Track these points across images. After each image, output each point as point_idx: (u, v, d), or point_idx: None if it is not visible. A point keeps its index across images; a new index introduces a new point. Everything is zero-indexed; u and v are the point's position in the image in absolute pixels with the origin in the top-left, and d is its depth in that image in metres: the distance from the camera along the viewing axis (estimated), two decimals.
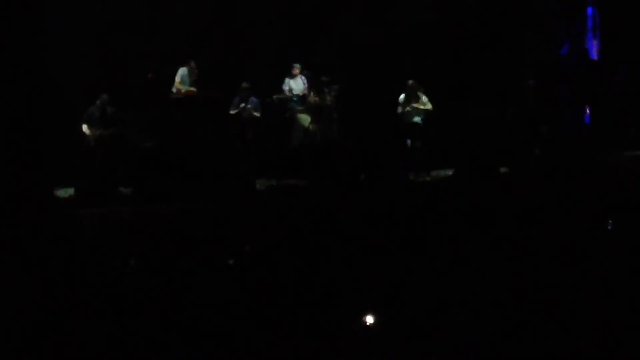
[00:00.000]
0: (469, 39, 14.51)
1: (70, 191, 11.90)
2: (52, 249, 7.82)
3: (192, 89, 13.51)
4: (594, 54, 15.15)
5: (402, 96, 13.17)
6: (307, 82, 13.81)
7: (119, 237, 9.06)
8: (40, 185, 9.88)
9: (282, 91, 13.79)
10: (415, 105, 13.08)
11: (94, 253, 8.01)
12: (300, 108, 13.61)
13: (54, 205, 10.42)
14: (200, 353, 5.96)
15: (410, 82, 13.11)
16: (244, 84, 13.39)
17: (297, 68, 13.83)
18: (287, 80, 13.85)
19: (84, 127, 12.77)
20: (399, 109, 13.18)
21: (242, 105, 13.30)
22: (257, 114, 13.39)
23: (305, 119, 13.52)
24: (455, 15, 14.67)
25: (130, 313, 6.32)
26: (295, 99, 13.69)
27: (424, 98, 13.14)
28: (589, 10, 15.32)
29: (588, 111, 14.36)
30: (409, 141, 13.11)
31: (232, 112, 13.40)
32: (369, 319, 6.24)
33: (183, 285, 6.88)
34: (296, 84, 13.85)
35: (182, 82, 13.54)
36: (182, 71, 13.57)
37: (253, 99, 13.41)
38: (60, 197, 11.64)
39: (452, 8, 14.68)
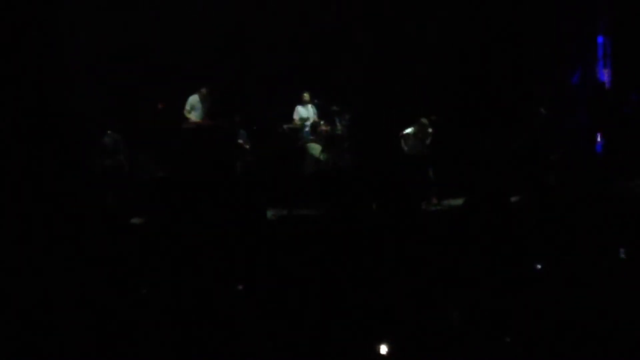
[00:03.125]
0: (481, 67, 14.55)
1: None
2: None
3: (201, 119, 13.55)
4: (606, 82, 15.18)
5: (409, 130, 13.11)
6: (317, 109, 13.91)
7: (130, 264, 9.06)
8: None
9: (292, 120, 13.86)
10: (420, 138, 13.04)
11: (106, 279, 8.01)
12: (312, 137, 13.65)
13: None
14: None
15: (424, 120, 13.03)
16: (236, 117, 13.64)
17: (306, 95, 13.91)
18: (297, 108, 13.93)
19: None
20: (405, 142, 13.13)
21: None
22: (244, 145, 13.67)
23: (316, 148, 13.56)
24: (467, 44, 14.73)
25: (137, 338, 6.31)
26: (306, 128, 13.75)
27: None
28: (600, 39, 15.37)
29: (600, 139, 14.35)
30: (430, 171, 13.06)
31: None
32: (382, 349, 6.21)
33: (192, 311, 6.87)
34: (307, 112, 13.92)
35: (191, 110, 13.54)
36: (191, 99, 13.57)
37: (239, 131, 13.64)
38: None
39: (464, 37, 14.75)
